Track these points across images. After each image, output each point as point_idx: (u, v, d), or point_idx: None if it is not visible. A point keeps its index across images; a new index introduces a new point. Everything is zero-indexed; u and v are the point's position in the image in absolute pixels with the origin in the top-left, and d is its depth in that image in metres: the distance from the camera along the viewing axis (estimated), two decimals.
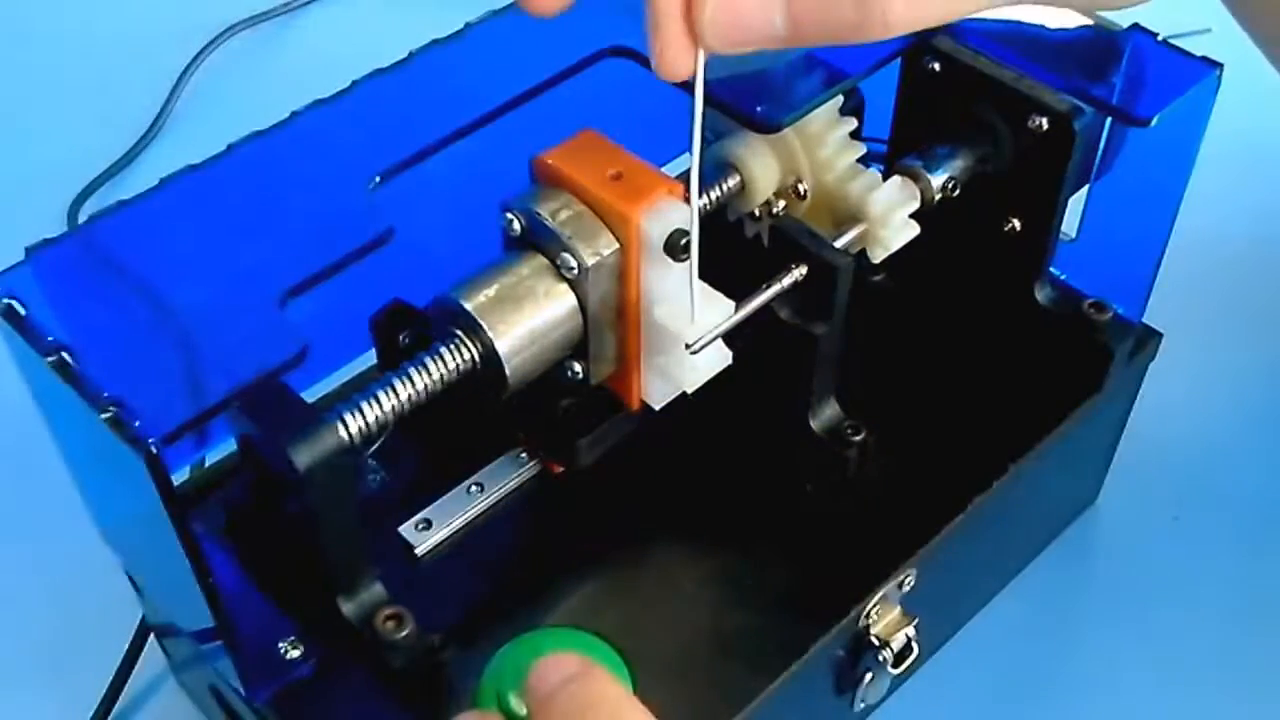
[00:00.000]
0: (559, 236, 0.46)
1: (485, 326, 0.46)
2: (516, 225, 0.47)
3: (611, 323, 0.48)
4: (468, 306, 0.46)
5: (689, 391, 0.48)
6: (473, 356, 0.46)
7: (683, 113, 0.50)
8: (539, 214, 0.46)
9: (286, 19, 0.93)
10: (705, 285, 0.46)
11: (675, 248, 0.45)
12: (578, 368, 0.49)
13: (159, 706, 0.60)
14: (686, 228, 0.45)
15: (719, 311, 0.46)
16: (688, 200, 0.46)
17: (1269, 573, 0.63)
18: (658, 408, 0.50)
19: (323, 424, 0.42)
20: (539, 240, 0.47)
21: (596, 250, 0.46)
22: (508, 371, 0.47)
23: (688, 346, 0.46)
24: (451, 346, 0.46)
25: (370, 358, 0.55)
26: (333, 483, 0.43)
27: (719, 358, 0.48)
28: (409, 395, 0.45)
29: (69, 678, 0.59)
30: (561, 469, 0.54)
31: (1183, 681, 0.60)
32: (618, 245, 0.46)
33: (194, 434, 0.41)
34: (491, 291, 0.47)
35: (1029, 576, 0.63)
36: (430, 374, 0.46)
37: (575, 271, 0.46)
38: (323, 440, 0.42)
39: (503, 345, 0.46)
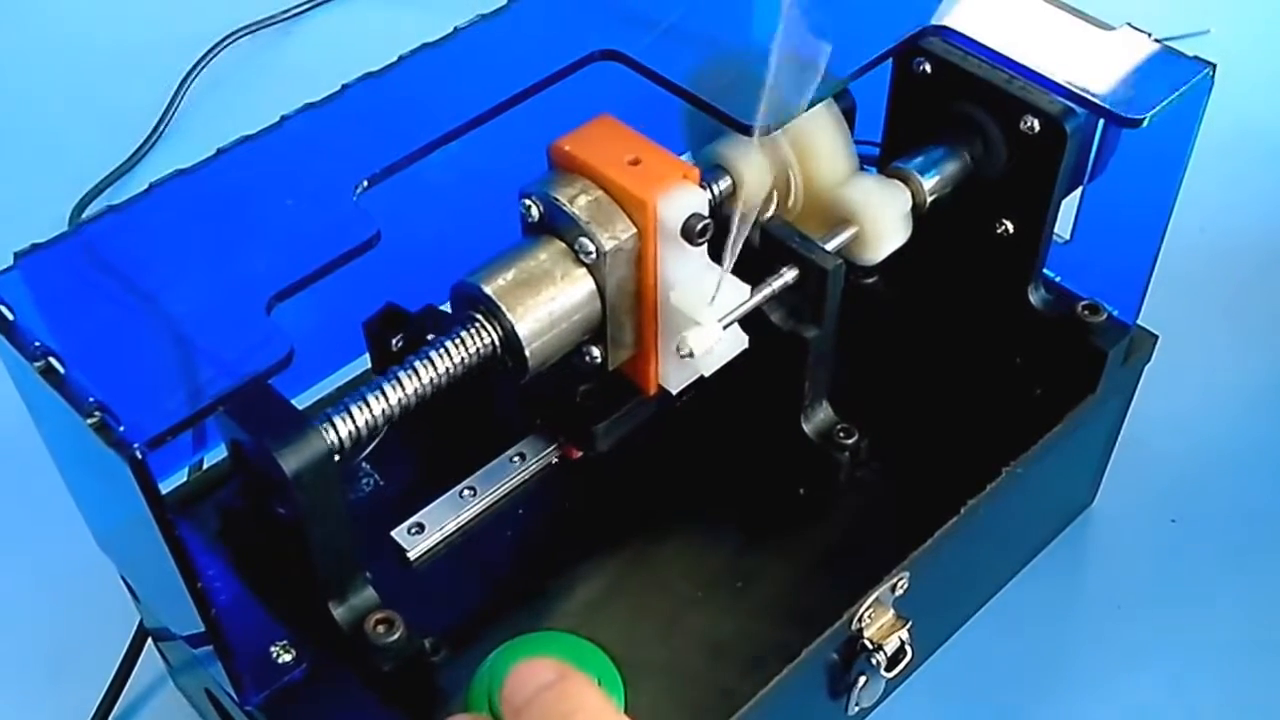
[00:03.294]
0: (577, 221, 0.46)
1: (505, 310, 0.46)
2: (534, 211, 0.48)
3: (629, 308, 0.49)
4: (487, 290, 0.47)
5: (706, 375, 0.49)
6: (493, 340, 0.47)
7: (671, 116, 0.50)
8: (557, 199, 0.47)
9: (287, 25, 0.94)
10: (721, 270, 0.47)
11: (692, 232, 0.46)
12: (596, 352, 0.49)
13: (157, 709, 0.60)
14: (703, 212, 0.46)
15: (735, 295, 0.47)
16: (703, 187, 0.48)
17: (1267, 574, 0.63)
18: (675, 392, 0.50)
19: (310, 428, 0.42)
20: (557, 225, 0.47)
21: (614, 235, 0.46)
22: (528, 354, 0.47)
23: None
24: (472, 330, 0.47)
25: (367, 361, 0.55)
26: (321, 487, 0.43)
27: (735, 342, 0.48)
28: (398, 399, 0.45)
29: (68, 681, 0.60)
30: (579, 454, 0.55)
31: (1180, 685, 0.60)
32: (635, 230, 0.46)
33: (187, 437, 0.41)
34: (511, 276, 0.47)
35: (1025, 579, 0.63)
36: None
37: (593, 256, 0.47)
38: (310, 445, 0.42)
39: (523, 328, 0.47)
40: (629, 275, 0.48)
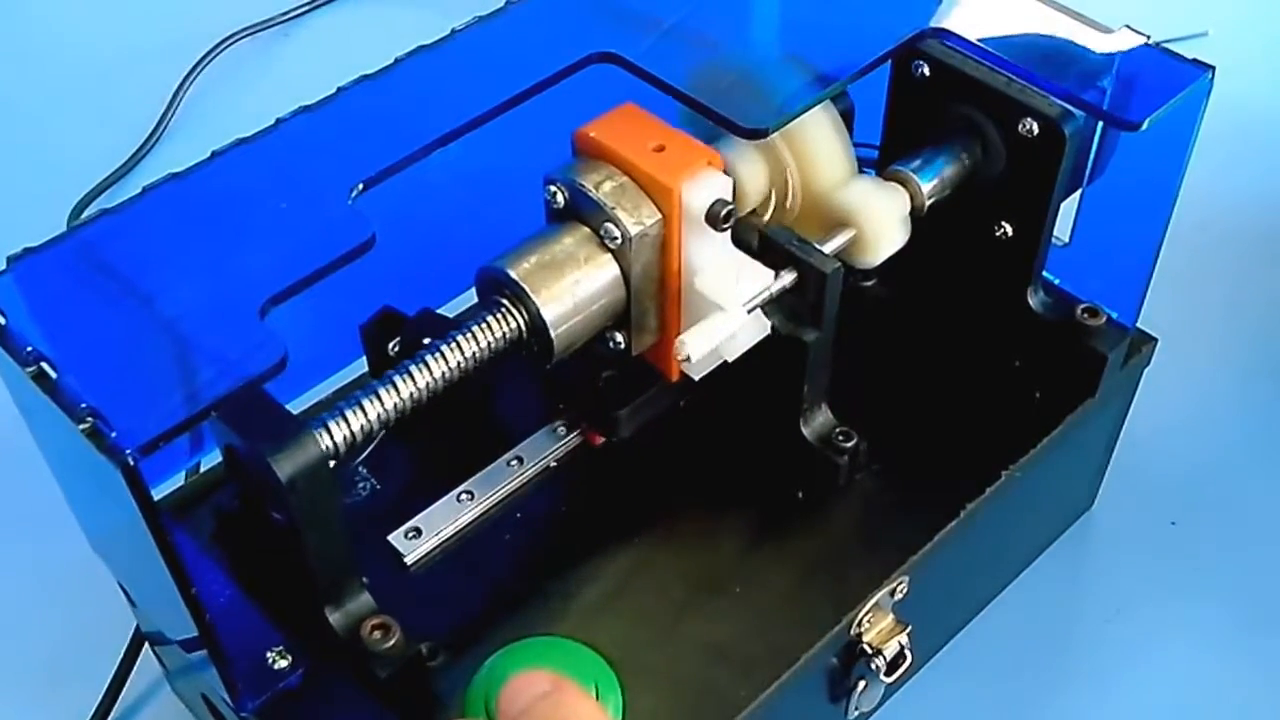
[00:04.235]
0: (603, 207, 0.47)
1: (531, 294, 0.47)
2: (560, 197, 0.48)
3: (653, 293, 0.49)
4: (513, 274, 0.47)
5: (730, 360, 0.49)
6: (519, 324, 0.47)
7: (669, 119, 0.50)
8: (582, 185, 0.47)
9: (285, 27, 0.93)
10: (745, 256, 0.48)
11: (716, 218, 0.46)
12: (620, 338, 0.50)
13: (154, 714, 0.60)
14: (727, 198, 0.47)
15: (758, 281, 0.47)
16: (727, 172, 0.48)
17: (1266, 577, 0.63)
18: (697, 378, 0.51)
19: (305, 433, 0.42)
20: (582, 211, 0.48)
21: (640, 220, 0.47)
22: (554, 338, 0.47)
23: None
24: (498, 315, 0.47)
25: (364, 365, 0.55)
26: (316, 492, 0.43)
27: (758, 328, 0.49)
28: (394, 404, 0.45)
29: (65, 685, 0.59)
30: (601, 440, 0.55)
31: (1180, 688, 0.59)
32: (660, 216, 0.47)
33: (183, 442, 0.41)
34: (536, 260, 0.47)
35: (1025, 582, 0.63)
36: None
37: (619, 241, 0.47)
38: (305, 450, 0.42)
39: (549, 312, 0.47)
40: (654, 260, 0.48)
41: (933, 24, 0.51)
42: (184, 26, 0.92)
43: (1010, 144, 0.53)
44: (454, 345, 0.47)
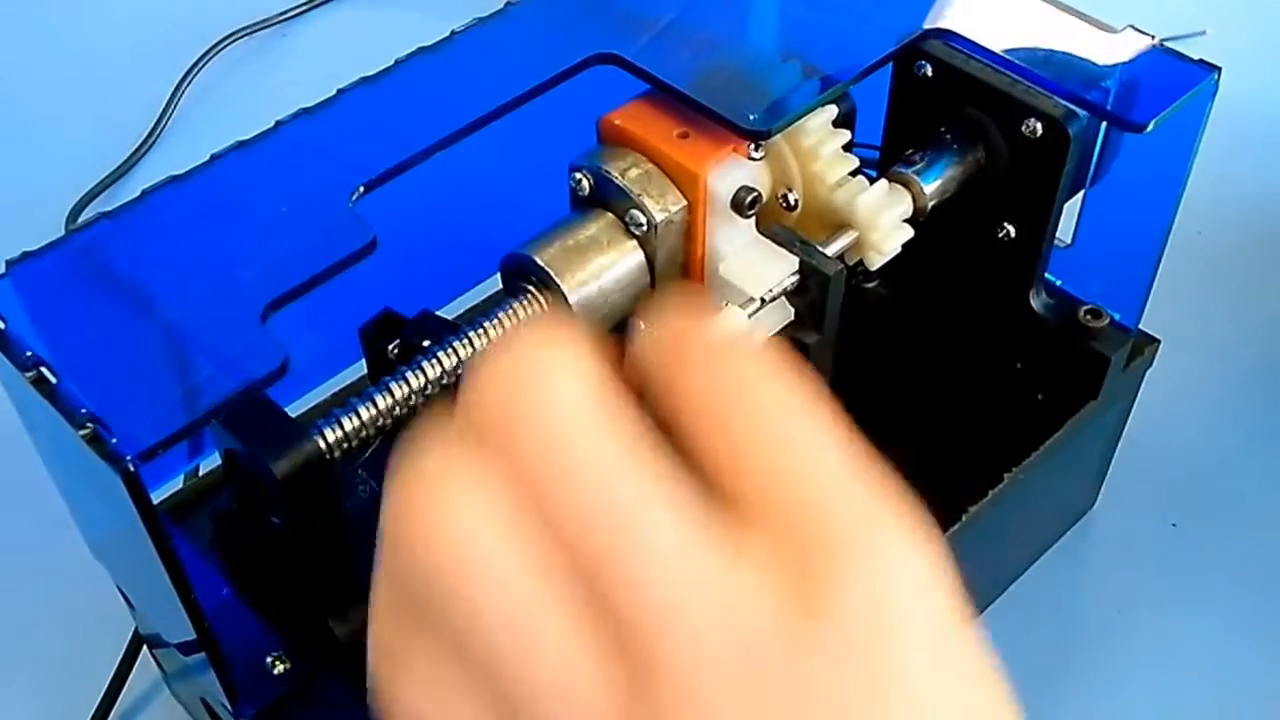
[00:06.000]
0: (628, 194, 0.47)
1: (556, 278, 0.47)
2: (585, 184, 0.48)
3: (677, 280, 0.49)
4: (539, 260, 0.47)
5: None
6: (544, 310, 0.47)
7: None
8: (608, 172, 0.47)
9: (284, 27, 0.93)
10: (768, 243, 0.48)
11: (741, 204, 0.47)
12: (642, 326, 0.49)
13: (152, 717, 0.60)
14: (752, 184, 0.47)
15: (783, 268, 0.47)
16: (751, 159, 0.48)
17: (1267, 579, 0.63)
18: None
19: (305, 438, 0.42)
20: (608, 198, 0.48)
21: (665, 206, 0.47)
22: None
23: (752, 300, 0.47)
24: (524, 301, 0.47)
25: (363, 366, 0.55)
26: (317, 497, 0.43)
27: (782, 316, 0.49)
28: (393, 407, 0.45)
29: (63, 688, 0.59)
30: None
31: (1181, 690, 0.59)
32: (685, 202, 0.47)
33: (181, 446, 0.40)
34: (562, 246, 0.47)
35: (1026, 583, 0.63)
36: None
37: (644, 228, 0.47)
38: (305, 454, 0.42)
39: (575, 298, 0.47)
40: (678, 247, 0.48)
41: (935, 24, 0.51)
42: (182, 26, 0.91)
43: (1013, 145, 0.52)
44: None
